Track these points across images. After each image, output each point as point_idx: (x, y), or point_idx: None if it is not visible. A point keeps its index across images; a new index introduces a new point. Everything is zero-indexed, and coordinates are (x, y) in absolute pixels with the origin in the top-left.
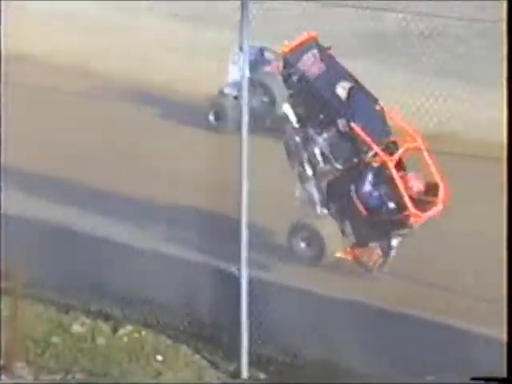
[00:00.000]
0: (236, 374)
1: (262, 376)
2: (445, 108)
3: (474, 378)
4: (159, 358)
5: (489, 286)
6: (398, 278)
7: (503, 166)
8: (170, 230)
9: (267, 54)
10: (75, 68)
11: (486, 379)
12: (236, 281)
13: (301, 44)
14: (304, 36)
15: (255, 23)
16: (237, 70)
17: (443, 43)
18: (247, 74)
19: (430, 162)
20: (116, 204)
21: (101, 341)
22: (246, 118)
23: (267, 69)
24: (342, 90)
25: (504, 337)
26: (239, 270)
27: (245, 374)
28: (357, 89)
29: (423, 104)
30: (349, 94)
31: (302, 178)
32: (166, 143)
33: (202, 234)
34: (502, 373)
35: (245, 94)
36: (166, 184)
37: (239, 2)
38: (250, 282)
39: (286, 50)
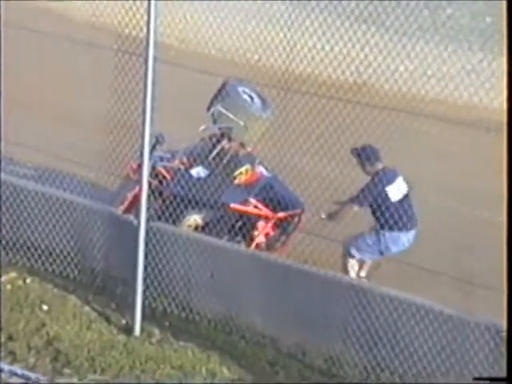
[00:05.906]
0: (128, 328)
1: (156, 331)
2: (362, 56)
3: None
4: (45, 307)
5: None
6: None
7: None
8: (64, 172)
9: None
10: None
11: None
12: (133, 229)
13: None
14: None
15: None
16: None
17: None
18: None
19: None
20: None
21: None
22: (151, 52)
23: None
24: None
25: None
26: (137, 218)
27: (138, 328)
28: None
29: (341, 50)
30: None
31: None
32: (67, 78)
33: (98, 178)
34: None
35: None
36: (66, 123)
37: None
38: (148, 231)
39: None
